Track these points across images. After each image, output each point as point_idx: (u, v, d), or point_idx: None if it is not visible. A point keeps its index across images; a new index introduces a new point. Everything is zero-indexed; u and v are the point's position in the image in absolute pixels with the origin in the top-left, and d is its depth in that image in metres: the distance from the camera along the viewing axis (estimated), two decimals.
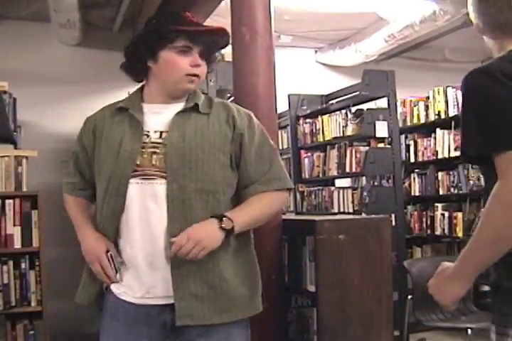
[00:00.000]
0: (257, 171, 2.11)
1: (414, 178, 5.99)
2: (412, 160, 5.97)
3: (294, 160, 6.15)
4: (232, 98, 3.95)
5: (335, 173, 5.62)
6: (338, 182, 6.12)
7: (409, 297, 4.08)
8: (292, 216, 5.42)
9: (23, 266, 3.89)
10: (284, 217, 3.40)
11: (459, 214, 5.40)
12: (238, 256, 2.08)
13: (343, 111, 5.49)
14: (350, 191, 5.45)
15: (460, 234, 5.36)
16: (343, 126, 5.46)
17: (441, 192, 5.64)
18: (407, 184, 5.96)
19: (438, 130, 5.60)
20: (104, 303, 2.12)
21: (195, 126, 2.05)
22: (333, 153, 5.63)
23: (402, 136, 5.87)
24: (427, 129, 5.84)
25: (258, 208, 2.10)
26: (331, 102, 5.82)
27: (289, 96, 6.01)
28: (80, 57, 5.63)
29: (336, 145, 5.60)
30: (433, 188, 5.71)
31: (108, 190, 2.04)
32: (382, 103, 5.16)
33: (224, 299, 2.00)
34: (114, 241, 2.04)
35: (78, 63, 5.62)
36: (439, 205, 5.67)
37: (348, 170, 5.39)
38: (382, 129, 4.96)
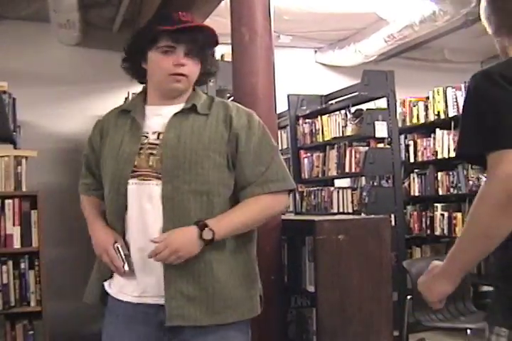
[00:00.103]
0: (253, 172, 2.06)
1: (413, 178, 5.99)
2: (412, 160, 5.97)
3: (294, 161, 6.15)
4: (231, 98, 3.95)
5: (334, 173, 5.62)
6: (338, 183, 6.12)
7: (409, 297, 4.08)
8: (292, 216, 5.42)
9: (22, 266, 3.89)
10: (283, 217, 3.40)
11: (459, 215, 5.40)
12: (235, 256, 2.05)
13: (343, 112, 5.50)
14: (349, 191, 5.45)
15: (459, 235, 5.35)
16: (342, 126, 5.46)
17: (440, 193, 5.64)
18: (406, 184, 5.97)
19: (437, 130, 5.60)
20: (107, 301, 2.15)
21: (191, 127, 2.05)
22: (333, 153, 5.63)
23: (402, 136, 5.87)
24: (427, 129, 5.84)
25: (247, 214, 2.04)
26: (330, 102, 5.82)
27: (288, 96, 6.01)
28: (79, 57, 5.63)
29: (336, 146, 5.60)
30: (432, 188, 5.71)
31: (111, 190, 2.08)
32: (382, 103, 5.17)
33: (217, 300, 1.98)
34: (122, 238, 2.07)
35: (78, 63, 5.62)
36: (439, 205, 5.68)
37: (347, 170, 5.39)
38: (381, 129, 4.97)
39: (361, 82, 5.05)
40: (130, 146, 2.06)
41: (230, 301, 2.01)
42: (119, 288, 2.08)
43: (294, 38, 6.54)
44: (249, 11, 3.22)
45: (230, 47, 3.34)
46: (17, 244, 3.86)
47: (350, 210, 5.35)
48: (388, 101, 5.05)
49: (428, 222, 5.77)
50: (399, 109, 5.80)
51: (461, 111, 4.73)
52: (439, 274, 1.66)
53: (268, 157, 2.10)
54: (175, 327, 1.97)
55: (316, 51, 7.15)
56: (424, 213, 5.85)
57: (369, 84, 4.99)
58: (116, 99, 5.41)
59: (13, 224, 3.85)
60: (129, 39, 2.16)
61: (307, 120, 6.01)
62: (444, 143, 5.52)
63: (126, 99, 5.18)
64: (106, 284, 2.13)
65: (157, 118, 2.10)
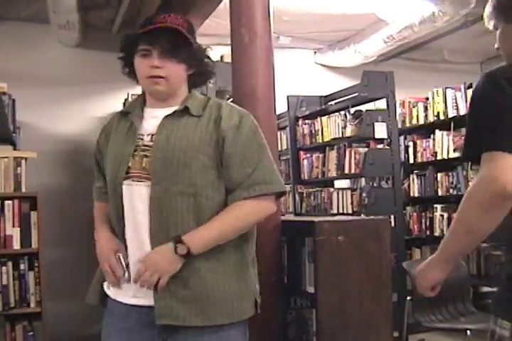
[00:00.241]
0: (239, 174, 2.03)
1: (413, 179, 5.98)
2: (411, 161, 5.96)
3: (293, 162, 6.16)
4: (231, 99, 3.95)
5: (334, 174, 5.62)
6: (338, 184, 6.12)
7: (409, 298, 4.08)
8: (291, 217, 5.43)
9: (22, 267, 3.89)
10: (283, 218, 3.40)
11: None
12: (226, 258, 2.04)
13: (342, 112, 5.50)
14: (349, 192, 5.45)
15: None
16: (342, 127, 5.46)
17: (440, 193, 5.64)
18: (406, 185, 5.96)
19: (437, 131, 5.60)
20: (106, 303, 2.17)
21: (182, 129, 2.05)
22: (332, 154, 5.63)
23: (401, 137, 5.87)
24: (426, 130, 5.83)
25: (227, 223, 2.01)
26: (330, 103, 5.81)
27: (288, 97, 6.01)
28: (79, 59, 5.63)
29: (335, 147, 5.60)
30: (432, 189, 5.71)
31: (110, 191, 2.12)
32: (381, 104, 5.17)
33: (205, 301, 1.98)
34: (123, 239, 2.09)
35: (77, 64, 5.62)
36: (438, 206, 5.67)
37: (347, 171, 5.39)
38: (381, 130, 4.97)
39: (361, 83, 5.06)
40: (126, 148, 2.08)
41: (219, 302, 2.00)
42: (116, 290, 2.10)
43: (294, 39, 6.54)
44: (249, 12, 3.22)
45: (229, 48, 3.34)
46: (17, 245, 3.86)
47: (350, 211, 5.35)
48: (388, 102, 5.05)
49: (428, 223, 5.77)
50: (398, 110, 5.80)
51: (461, 112, 4.74)
52: (431, 263, 1.84)
53: (255, 158, 2.06)
54: (169, 328, 1.98)
55: (315, 52, 7.16)
56: (423, 214, 5.85)
57: (368, 85, 4.99)
58: (115, 100, 5.42)
59: (13, 225, 3.86)
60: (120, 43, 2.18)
61: (307, 121, 6.02)
62: (444, 144, 5.51)
63: (125, 100, 5.18)
64: (105, 286, 2.14)
65: (153, 120, 2.11)
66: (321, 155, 5.85)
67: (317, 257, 2.98)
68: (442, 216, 5.57)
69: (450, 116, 5.44)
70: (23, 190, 3.97)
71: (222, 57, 4.62)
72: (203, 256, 1.99)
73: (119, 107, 4.91)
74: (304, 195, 6.04)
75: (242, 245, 2.09)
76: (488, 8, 1.83)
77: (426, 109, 5.77)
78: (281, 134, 6.29)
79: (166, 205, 1.98)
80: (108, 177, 2.13)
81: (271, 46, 3.28)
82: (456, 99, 5.41)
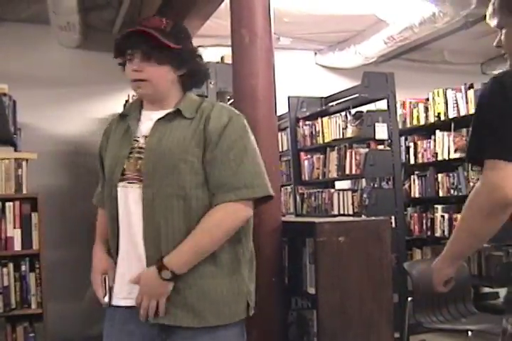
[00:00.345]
0: (220, 177, 2.01)
1: (414, 180, 5.98)
2: (412, 162, 5.96)
3: (294, 163, 6.15)
4: (231, 100, 3.95)
5: (335, 175, 5.62)
6: (338, 184, 6.12)
7: (410, 299, 4.08)
8: (292, 218, 5.43)
9: (23, 268, 3.88)
10: (283, 219, 3.40)
11: (459, 216, 5.38)
12: (216, 261, 2.02)
13: (343, 113, 5.50)
14: (350, 193, 5.45)
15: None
16: (342, 128, 5.46)
17: (441, 194, 5.64)
18: (406, 186, 5.96)
19: (438, 132, 5.60)
20: None
21: (174, 132, 2.05)
22: (333, 155, 5.63)
23: (402, 138, 5.87)
24: (427, 131, 5.83)
25: (204, 235, 1.98)
26: (330, 104, 5.81)
27: (288, 98, 6.01)
28: (79, 60, 5.64)
29: (336, 148, 5.60)
30: (433, 190, 5.71)
31: (106, 193, 2.13)
32: (382, 105, 5.17)
33: (196, 302, 1.98)
34: (116, 242, 2.10)
35: (78, 65, 5.63)
36: (439, 207, 5.67)
37: (347, 172, 5.39)
38: (381, 131, 4.97)
39: (361, 84, 5.06)
40: (121, 150, 2.10)
41: (210, 304, 2.00)
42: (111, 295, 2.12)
43: (294, 40, 6.54)
44: (249, 12, 3.22)
45: (230, 49, 3.34)
46: (17, 247, 3.86)
47: (351, 212, 5.35)
48: (388, 102, 5.05)
49: (428, 224, 5.77)
50: (399, 111, 5.81)
51: (461, 112, 4.74)
52: (440, 260, 1.99)
53: (237, 161, 2.02)
54: (167, 328, 2.00)
55: (316, 53, 7.16)
56: (424, 215, 5.85)
57: (369, 85, 5.00)
58: (116, 101, 5.42)
59: (14, 227, 3.85)
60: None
61: (307, 122, 6.02)
62: (445, 145, 5.52)
63: (126, 101, 5.18)
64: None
65: (148, 122, 2.12)
66: (321, 156, 5.85)
67: (318, 258, 2.98)
68: (443, 216, 5.57)
69: (451, 116, 5.44)
70: (24, 191, 3.97)
71: (222, 58, 4.62)
72: None
73: (120, 108, 4.91)
74: (305, 195, 6.04)
75: (235, 247, 2.07)
76: (493, 6, 1.83)
77: (426, 109, 5.78)
78: (281, 135, 6.29)
79: (158, 207, 1.99)
80: (106, 180, 2.14)
81: (271, 47, 3.28)
82: (456, 99, 5.41)
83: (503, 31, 1.82)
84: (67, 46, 5.53)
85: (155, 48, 2.03)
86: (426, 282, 4.07)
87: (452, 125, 5.46)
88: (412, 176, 6.00)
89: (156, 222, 1.98)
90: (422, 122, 5.84)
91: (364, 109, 5.35)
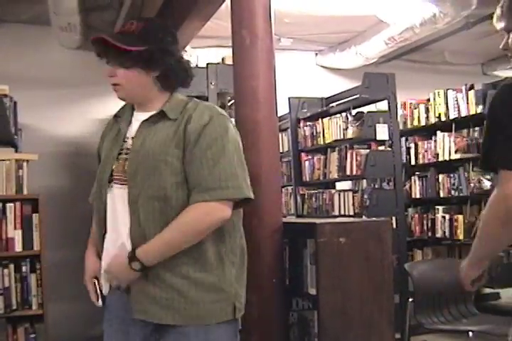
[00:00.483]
0: (197, 176, 2.00)
1: (414, 181, 5.99)
2: (413, 162, 5.97)
3: (295, 163, 6.16)
4: (232, 101, 3.95)
5: (335, 176, 5.62)
6: (339, 185, 6.12)
7: (410, 300, 4.08)
8: (293, 219, 5.43)
9: (24, 269, 3.89)
10: (284, 219, 3.40)
11: (460, 217, 5.40)
12: (198, 260, 2.03)
13: (344, 114, 5.50)
14: (350, 194, 5.45)
15: (461, 237, 5.36)
16: (343, 129, 5.47)
17: (441, 195, 5.64)
18: (407, 186, 5.96)
19: (438, 132, 5.60)
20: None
21: (158, 133, 2.07)
22: (334, 156, 5.63)
23: (403, 139, 5.88)
24: (428, 132, 5.84)
25: (177, 231, 1.99)
26: (331, 105, 5.82)
27: (289, 99, 6.01)
28: (80, 61, 5.62)
29: (337, 148, 5.60)
30: (434, 191, 5.71)
31: (97, 193, 2.16)
32: (383, 106, 5.17)
33: (176, 302, 2.00)
34: (102, 240, 2.14)
35: (79, 66, 5.61)
36: (440, 208, 5.67)
37: (348, 172, 5.39)
38: (382, 132, 4.97)
39: (362, 85, 5.06)
40: (112, 151, 2.14)
41: (189, 305, 2.01)
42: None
43: (295, 41, 6.54)
44: (250, 14, 3.22)
45: (230, 50, 3.34)
46: (18, 248, 3.86)
47: (352, 213, 5.35)
48: (389, 103, 5.05)
49: (429, 225, 5.77)
50: (400, 112, 5.81)
51: (462, 113, 4.76)
52: (467, 262, 2.06)
53: (215, 161, 2.01)
54: (160, 328, 2.03)
55: (316, 54, 7.16)
56: (425, 215, 5.85)
57: (370, 86, 5.00)
58: (116, 102, 5.36)
59: (15, 228, 3.86)
60: None
61: (308, 123, 6.02)
62: (445, 146, 5.52)
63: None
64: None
65: (137, 124, 2.14)
66: (322, 157, 5.85)
67: (319, 259, 2.98)
68: (444, 217, 5.57)
69: (451, 117, 5.45)
70: (25, 192, 3.97)
71: (223, 59, 4.62)
72: (175, 256, 2.00)
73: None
74: (306, 196, 6.04)
75: (217, 247, 2.07)
76: (502, 9, 1.83)
77: (427, 110, 5.78)
78: (282, 136, 6.29)
79: (142, 208, 2.01)
80: (97, 180, 2.18)
81: (272, 48, 3.28)
82: (457, 100, 5.42)
83: (511, 35, 1.84)
84: (68, 47, 5.53)
85: (119, 53, 2.06)
86: (427, 283, 4.08)
87: (453, 126, 5.47)
88: (412, 177, 6.01)
89: (141, 222, 2.00)
90: (423, 123, 5.84)
91: (365, 109, 5.35)
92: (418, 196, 5.94)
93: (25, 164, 4.00)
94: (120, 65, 2.09)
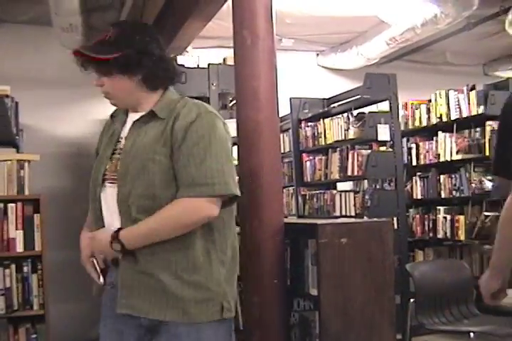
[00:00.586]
0: (184, 173, 2.00)
1: (416, 181, 5.98)
2: (414, 163, 5.97)
3: (296, 164, 6.16)
4: (234, 102, 3.95)
5: (337, 177, 5.62)
6: (340, 186, 6.12)
7: (412, 300, 4.08)
8: (294, 219, 5.43)
9: (25, 269, 3.89)
10: (286, 220, 3.40)
11: (461, 218, 5.40)
12: (185, 257, 2.03)
13: (345, 115, 5.50)
14: (352, 194, 5.45)
15: (462, 237, 5.36)
16: (344, 130, 5.47)
17: (443, 195, 5.64)
18: (409, 187, 5.96)
19: (440, 133, 5.60)
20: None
21: (148, 133, 2.08)
22: (335, 157, 5.63)
23: (404, 139, 5.88)
24: (429, 132, 5.84)
25: (159, 221, 2.00)
26: (332, 106, 5.82)
27: (290, 99, 6.02)
28: None
29: (338, 149, 5.60)
30: (435, 191, 5.71)
31: (91, 193, 2.18)
32: (384, 106, 5.17)
33: (162, 297, 2.01)
34: None
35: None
36: (441, 208, 5.67)
37: (349, 173, 5.39)
38: (384, 132, 4.97)
39: (363, 85, 5.06)
40: (106, 151, 2.18)
41: (176, 302, 2.01)
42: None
43: (296, 42, 6.55)
44: (251, 14, 3.22)
45: (232, 50, 3.35)
46: (20, 248, 3.86)
47: (353, 213, 5.35)
48: (390, 104, 5.05)
49: (431, 225, 5.77)
50: (401, 112, 5.81)
51: (463, 113, 4.79)
52: (487, 274, 2.04)
53: (201, 157, 2.00)
54: (153, 329, 2.05)
55: (318, 54, 7.16)
56: (426, 216, 5.85)
57: (371, 87, 5.00)
58: None
59: (16, 228, 3.86)
60: None
61: (309, 123, 6.02)
62: (447, 146, 5.51)
63: None
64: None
65: (130, 124, 2.17)
66: (323, 158, 5.85)
67: (320, 259, 2.98)
68: (445, 218, 5.57)
69: (453, 118, 5.44)
70: (26, 192, 3.97)
71: (224, 59, 4.62)
72: (160, 251, 2.01)
73: None
74: (307, 197, 6.04)
75: (206, 245, 2.07)
76: None
77: (429, 111, 5.77)
78: (283, 136, 6.29)
79: (133, 207, 2.02)
80: (91, 180, 2.20)
81: (273, 48, 3.28)
82: (458, 101, 5.41)
83: None
84: (70, 47, 5.47)
85: (98, 63, 2.09)
86: (428, 283, 4.08)
87: (454, 126, 5.46)
88: (414, 177, 6.00)
89: (132, 221, 2.02)
90: (424, 123, 5.84)
91: (366, 110, 5.35)
92: (419, 197, 5.94)
93: (26, 164, 4.00)
94: (102, 74, 2.11)
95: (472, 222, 5.27)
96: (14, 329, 3.88)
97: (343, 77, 7.04)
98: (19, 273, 3.88)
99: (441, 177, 5.65)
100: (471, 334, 3.77)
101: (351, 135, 5.34)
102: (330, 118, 5.73)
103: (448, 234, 5.52)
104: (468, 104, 5.30)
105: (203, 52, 5.33)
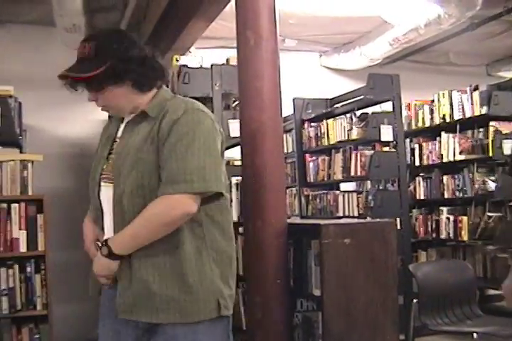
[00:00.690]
0: (166, 170, 2.00)
1: (419, 182, 5.98)
2: (417, 163, 5.96)
3: (299, 164, 6.15)
4: (237, 102, 3.95)
5: (340, 177, 5.62)
6: (343, 186, 6.12)
7: (415, 301, 4.07)
8: (297, 220, 5.43)
9: (28, 269, 3.90)
10: (289, 220, 3.40)
11: (464, 218, 5.40)
12: (175, 256, 2.03)
13: (348, 115, 5.50)
14: (355, 195, 5.44)
15: (465, 238, 5.36)
16: (347, 130, 5.46)
17: (446, 196, 5.63)
18: (412, 188, 5.96)
19: (443, 133, 5.60)
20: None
21: (139, 132, 2.10)
22: (338, 157, 5.63)
23: (407, 140, 5.87)
24: (432, 133, 5.83)
25: (140, 223, 2.00)
26: (335, 106, 5.82)
27: (293, 100, 6.01)
28: None
29: (341, 149, 5.60)
30: (438, 192, 5.71)
31: (90, 192, 2.21)
32: (387, 107, 5.17)
33: (150, 300, 2.02)
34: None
35: None
36: (444, 209, 5.67)
37: (353, 173, 5.38)
38: (387, 133, 4.97)
39: (366, 86, 5.06)
40: (103, 151, 2.22)
41: (171, 304, 2.02)
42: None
43: (299, 42, 6.55)
44: (255, 15, 3.22)
45: (235, 51, 3.34)
46: (23, 248, 3.87)
47: (356, 214, 5.35)
48: (393, 104, 5.05)
49: (434, 226, 5.77)
50: (404, 113, 5.80)
51: (466, 114, 4.80)
52: (510, 277, 2.00)
53: (183, 154, 1.99)
54: (150, 329, 2.06)
55: (321, 55, 7.17)
56: (429, 216, 5.84)
57: (374, 87, 4.99)
58: None
59: (19, 228, 3.87)
60: None
61: (312, 124, 6.02)
62: (450, 147, 5.51)
63: None
64: None
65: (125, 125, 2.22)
66: (326, 158, 5.85)
67: (323, 260, 2.97)
68: (448, 218, 5.57)
69: (456, 118, 5.44)
70: (30, 192, 3.98)
71: (228, 60, 4.61)
72: (155, 253, 2.02)
73: None
74: (310, 197, 6.03)
75: (195, 243, 2.07)
76: None
77: (432, 111, 5.77)
78: (287, 137, 6.29)
79: (126, 206, 2.04)
80: (89, 179, 2.23)
81: (277, 49, 3.28)
82: (462, 101, 5.41)
83: None
84: (73, 48, 5.52)
85: (86, 82, 2.09)
86: (431, 284, 4.07)
87: (458, 127, 5.46)
88: (417, 178, 6.00)
89: (126, 220, 2.03)
90: (428, 124, 5.84)
91: (369, 110, 5.35)
92: (422, 197, 5.94)
93: (30, 165, 4.01)
94: (93, 90, 2.11)
95: (475, 222, 5.27)
96: (17, 329, 3.90)
97: (346, 77, 7.05)
98: (22, 273, 3.89)
99: (445, 177, 5.65)
100: (475, 334, 3.77)
101: (354, 135, 5.34)
102: (333, 118, 5.73)
103: (451, 235, 5.52)
104: (472, 104, 5.30)
105: (206, 52, 5.33)
